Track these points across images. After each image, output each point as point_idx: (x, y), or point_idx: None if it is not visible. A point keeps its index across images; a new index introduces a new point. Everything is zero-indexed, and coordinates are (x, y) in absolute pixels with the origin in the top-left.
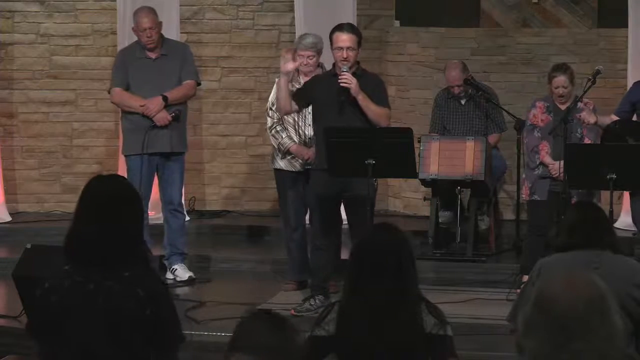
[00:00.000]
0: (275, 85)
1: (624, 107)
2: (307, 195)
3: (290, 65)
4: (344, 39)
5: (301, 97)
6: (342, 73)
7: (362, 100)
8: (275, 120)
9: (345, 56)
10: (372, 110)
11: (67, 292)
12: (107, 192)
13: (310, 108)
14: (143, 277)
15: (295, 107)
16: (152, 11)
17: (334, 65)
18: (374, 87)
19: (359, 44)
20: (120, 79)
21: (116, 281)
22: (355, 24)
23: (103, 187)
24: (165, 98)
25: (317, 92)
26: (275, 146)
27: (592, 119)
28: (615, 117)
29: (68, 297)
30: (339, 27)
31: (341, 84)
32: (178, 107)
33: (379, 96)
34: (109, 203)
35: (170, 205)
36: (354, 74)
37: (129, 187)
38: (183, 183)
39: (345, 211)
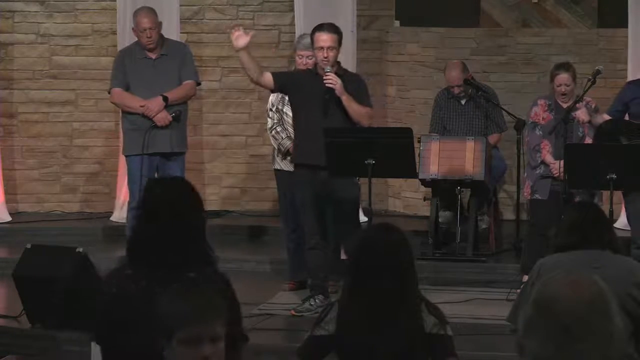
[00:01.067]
0: None
1: (617, 107)
2: (295, 195)
3: (241, 42)
4: (325, 38)
5: (281, 81)
6: (327, 73)
7: (346, 100)
8: (276, 121)
9: (325, 55)
10: (354, 109)
11: (133, 297)
12: (166, 195)
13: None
14: (208, 278)
15: (269, 82)
16: (152, 11)
17: (315, 65)
18: (356, 86)
19: (340, 43)
20: (119, 79)
21: (181, 283)
22: (355, 24)
23: (162, 190)
24: (165, 98)
25: (299, 87)
26: (276, 147)
27: (585, 118)
28: (607, 117)
29: (135, 302)
30: (319, 27)
31: (326, 85)
32: (178, 107)
33: (361, 95)
34: (168, 205)
35: None
36: (335, 74)
37: (189, 189)
38: None
39: (332, 213)
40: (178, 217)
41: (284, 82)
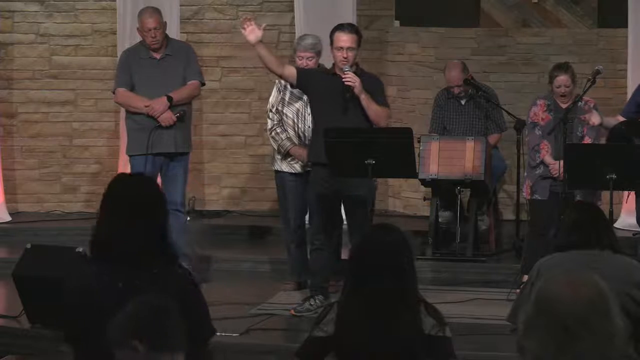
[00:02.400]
0: (274, 87)
1: (631, 108)
2: (307, 193)
3: (253, 36)
4: (345, 39)
5: (302, 77)
6: (346, 72)
7: (365, 99)
8: (275, 122)
9: (345, 56)
10: (373, 109)
11: (96, 293)
12: (128, 192)
13: (308, 109)
14: (171, 274)
15: (292, 76)
16: (156, 11)
17: (333, 65)
18: (374, 86)
19: (359, 43)
20: (124, 79)
21: (144, 279)
22: (355, 24)
23: (125, 187)
24: (170, 98)
25: (318, 86)
26: (275, 148)
27: (597, 121)
28: (621, 118)
29: (98, 298)
30: (340, 27)
31: (345, 83)
32: (183, 107)
33: (379, 96)
34: (132, 202)
35: (172, 205)
36: (354, 74)
37: (152, 186)
38: (187, 183)
39: (345, 211)
40: (139, 213)
41: (305, 79)
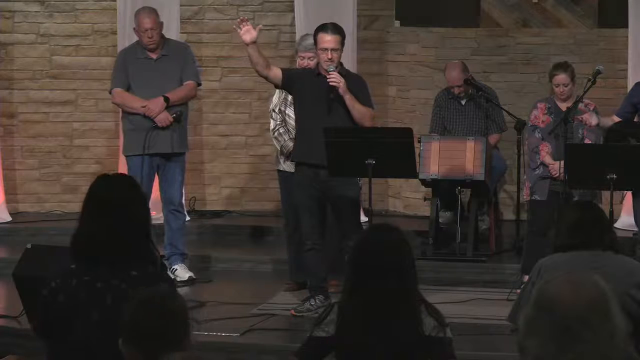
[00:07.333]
0: (277, 90)
1: (626, 108)
2: (295, 194)
3: (248, 37)
4: (329, 39)
5: (287, 77)
6: (331, 72)
7: (349, 99)
8: (278, 123)
9: (329, 57)
10: (357, 110)
11: (74, 291)
12: (112, 192)
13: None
14: (150, 277)
15: (277, 77)
16: (153, 12)
17: (317, 64)
18: (359, 87)
19: (343, 43)
20: (121, 79)
21: (123, 280)
22: (355, 24)
23: (108, 187)
24: (166, 99)
25: (302, 86)
26: (278, 148)
27: (594, 121)
28: (617, 118)
29: (75, 296)
30: (323, 28)
31: (330, 83)
32: (179, 107)
33: (364, 96)
34: (113, 202)
35: (170, 205)
36: (338, 73)
37: (135, 187)
38: (184, 183)
39: (335, 212)
40: (120, 214)
41: (291, 80)
